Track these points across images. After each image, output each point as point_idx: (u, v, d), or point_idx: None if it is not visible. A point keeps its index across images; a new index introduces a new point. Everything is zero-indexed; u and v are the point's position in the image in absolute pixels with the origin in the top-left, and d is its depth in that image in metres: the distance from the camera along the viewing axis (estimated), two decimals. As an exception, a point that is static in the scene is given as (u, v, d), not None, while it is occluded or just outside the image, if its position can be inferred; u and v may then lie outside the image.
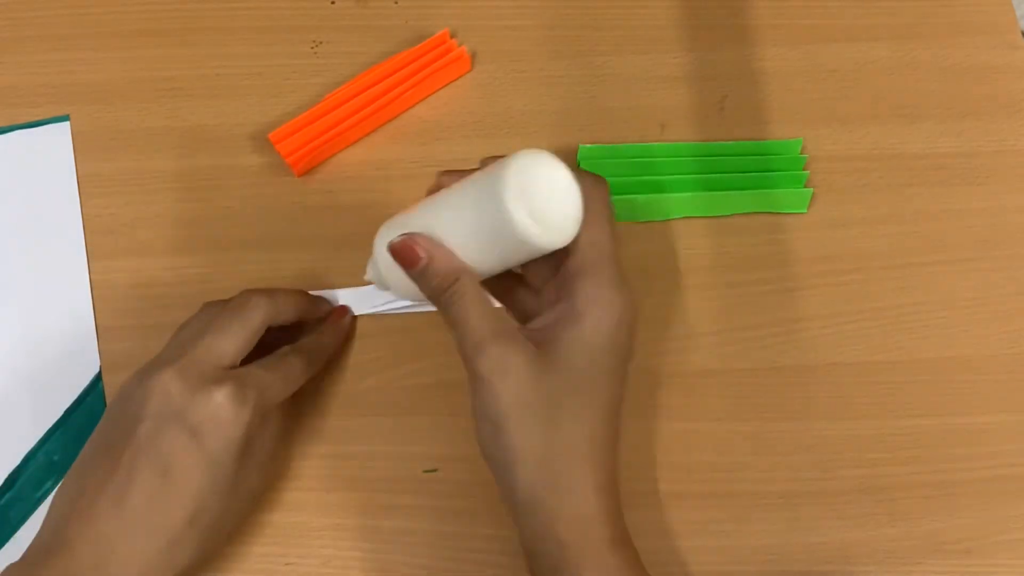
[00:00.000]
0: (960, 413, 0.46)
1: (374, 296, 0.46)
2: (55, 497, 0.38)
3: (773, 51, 0.53)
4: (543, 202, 0.35)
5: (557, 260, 0.38)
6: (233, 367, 0.39)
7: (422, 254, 0.36)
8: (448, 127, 0.51)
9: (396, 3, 0.54)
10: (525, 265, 0.40)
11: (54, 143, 0.50)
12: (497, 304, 0.40)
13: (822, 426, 0.46)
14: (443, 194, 0.38)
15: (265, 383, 0.39)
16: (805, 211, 0.50)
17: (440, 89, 0.52)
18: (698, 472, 0.45)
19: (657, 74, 0.53)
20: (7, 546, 0.43)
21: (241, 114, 0.51)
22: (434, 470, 0.45)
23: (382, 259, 0.40)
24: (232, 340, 0.39)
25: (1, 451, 0.45)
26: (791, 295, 0.48)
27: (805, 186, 0.50)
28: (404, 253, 0.37)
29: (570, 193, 0.36)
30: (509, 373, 0.35)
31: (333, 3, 0.54)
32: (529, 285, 0.40)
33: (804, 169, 0.50)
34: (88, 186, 0.50)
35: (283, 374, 0.40)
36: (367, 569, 0.43)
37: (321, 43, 0.53)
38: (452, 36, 0.52)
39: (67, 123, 0.51)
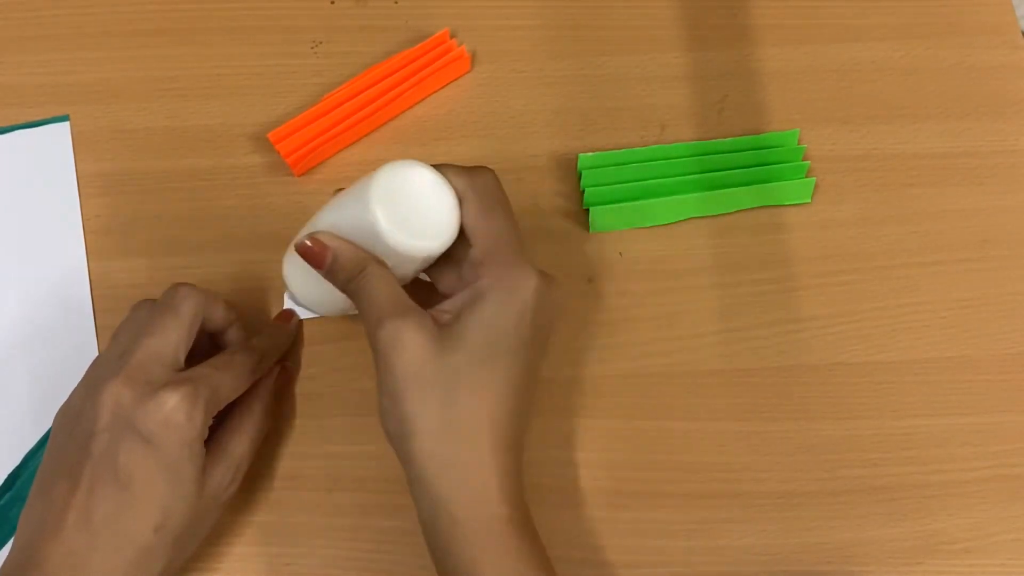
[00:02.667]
0: (960, 413, 0.46)
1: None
2: (23, 517, 0.38)
3: (773, 51, 0.53)
4: (409, 211, 0.36)
5: (460, 259, 0.39)
6: (178, 366, 0.39)
7: (327, 252, 0.38)
8: (448, 127, 0.51)
9: (396, 3, 0.54)
10: (432, 276, 0.41)
11: (54, 143, 0.50)
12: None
13: (822, 426, 0.46)
14: (328, 205, 0.39)
15: (215, 382, 0.39)
16: (809, 200, 0.50)
17: (440, 89, 0.52)
18: (698, 472, 0.45)
19: (657, 74, 0.53)
20: (7, 546, 0.43)
21: (241, 114, 0.51)
22: (434, 470, 0.45)
23: (292, 282, 0.42)
24: (169, 338, 0.39)
25: (1, 451, 0.45)
26: (791, 295, 0.48)
27: (806, 176, 0.50)
28: (310, 253, 0.38)
29: (438, 199, 0.37)
30: (405, 347, 0.36)
31: (333, 3, 0.54)
32: (441, 294, 0.41)
33: (804, 159, 0.50)
34: (88, 186, 0.50)
35: (233, 372, 0.40)
36: (367, 569, 0.43)
37: (321, 43, 0.53)
38: (452, 36, 0.52)
39: (67, 123, 0.51)
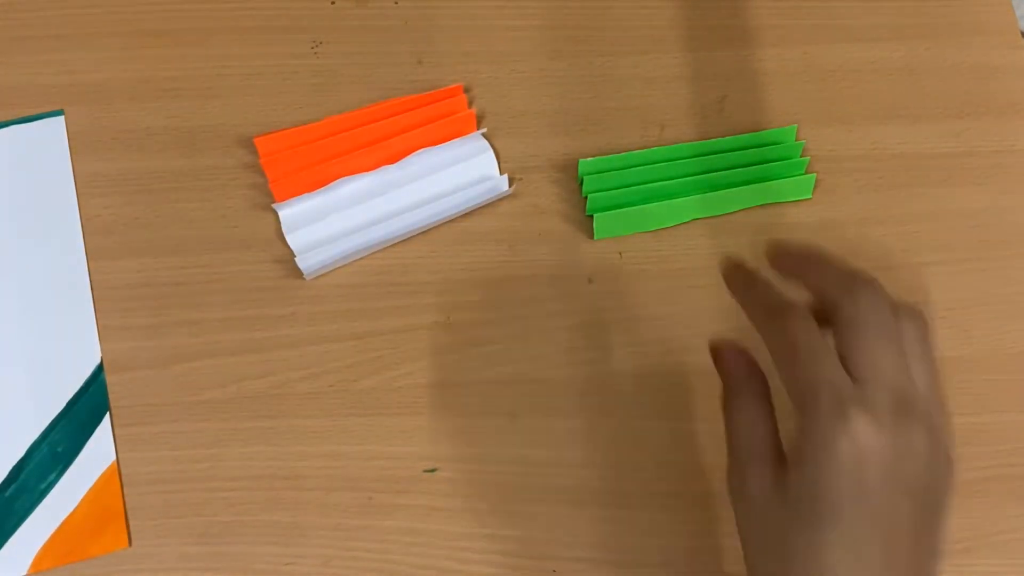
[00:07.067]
0: (960, 413, 0.46)
1: None
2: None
3: (773, 51, 0.53)
4: None
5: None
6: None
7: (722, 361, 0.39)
8: (448, 127, 0.51)
9: (396, 3, 0.54)
10: None
11: (49, 138, 0.50)
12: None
13: (822, 426, 0.46)
14: None
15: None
16: (810, 196, 0.50)
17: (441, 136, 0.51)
18: (698, 472, 0.45)
19: (657, 74, 0.53)
20: (13, 537, 0.43)
21: (241, 114, 0.51)
22: (434, 470, 0.45)
23: None
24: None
25: (4, 443, 0.45)
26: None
27: (806, 172, 0.50)
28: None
29: None
30: (746, 499, 0.35)
31: (333, 3, 0.54)
32: None
33: (803, 156, 0.50)
34: (88, 186, 0.50)
35: None
36: (367, 569, 0.43)
37: (321, 43, 0.53)
38: (465, 91, 0.51)
39: (61, 118, 0.51)
